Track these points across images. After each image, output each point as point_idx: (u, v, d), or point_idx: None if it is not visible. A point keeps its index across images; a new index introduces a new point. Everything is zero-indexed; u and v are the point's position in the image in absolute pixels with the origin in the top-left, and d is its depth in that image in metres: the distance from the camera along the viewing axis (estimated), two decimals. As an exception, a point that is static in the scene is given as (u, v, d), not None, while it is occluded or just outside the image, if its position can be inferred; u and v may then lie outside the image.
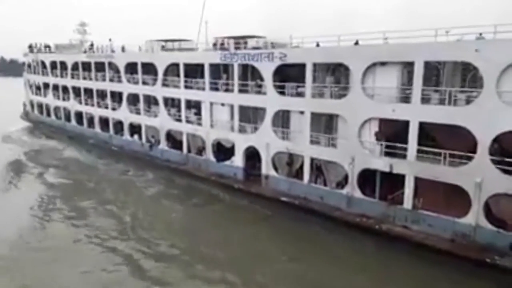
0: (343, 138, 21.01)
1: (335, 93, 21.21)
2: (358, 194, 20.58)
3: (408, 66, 18.87)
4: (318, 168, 22.60)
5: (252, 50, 25.25)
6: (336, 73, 21.87)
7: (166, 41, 35.15)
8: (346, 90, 20.87)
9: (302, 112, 22.49)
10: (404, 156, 18.84)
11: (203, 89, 28.32)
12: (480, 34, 17.46)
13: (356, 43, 21.89)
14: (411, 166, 18.63)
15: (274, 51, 23.41)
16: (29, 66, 51.26)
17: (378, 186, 20.17)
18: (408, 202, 19.01)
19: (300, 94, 22.77)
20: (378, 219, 19.69)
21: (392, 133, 19.42)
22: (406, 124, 18.53)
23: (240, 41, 27.51)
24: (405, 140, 18.79)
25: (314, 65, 21.70)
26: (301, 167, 23.14)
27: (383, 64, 19.26)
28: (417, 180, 18.67)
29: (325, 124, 22.23)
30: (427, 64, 18.14)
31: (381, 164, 19.50)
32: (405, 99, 18.75)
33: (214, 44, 30.52)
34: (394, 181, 19.59)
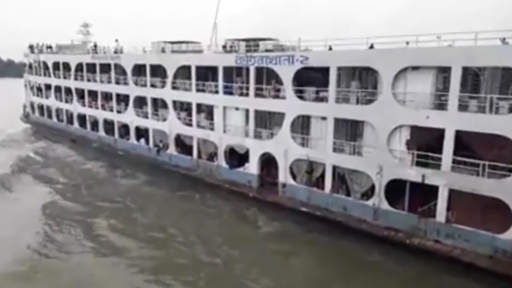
0: (370, 146, 19.88)
1: (362, 98, 20.06)
2: (385, 205, 19.42)
3: (443, 71, 17.80)
4: (340, 177, 21.42)
5: (270, 52, 24.11)
6: (362, 77, 20.74)
7: (173, 42, 34.00)
8: (373, 95, 19.77)
9: (324, 118, 21.35)
10: (438, 166, 17.71)
11: (216, 92, 27.14)
12: (504, 39, 16.55)
13: (371, 46, 20.85)
14: (445, 177, 17.49)
15: (294, 53, 22.29)
16: (30, 66, 49.94)
17: (407, 198, 19.01)
18: (441, 215, 17.86)
19: (322, 99, 21.65)
20: (408, 233, 18.54)
21: (424, 142, 18.32)
22: (440, 132, 17.43)
23: (251, 43, 26.40)
24: (438, 149, 17.69)
25: (339, 68, 20.57)
26: (322, 175, 21.98)
27: (415, 68, 18.17)
28: (451, 192, 17.56)
29: (349, 131, 21.09)
30: (465, 70, 17.04)
31: (412, 174, 18.36)
32: (440, 106, 17.65)
33: (224, 46, 29.43)
34: (424, 193, 18.47)
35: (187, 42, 33.93)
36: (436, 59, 17.51)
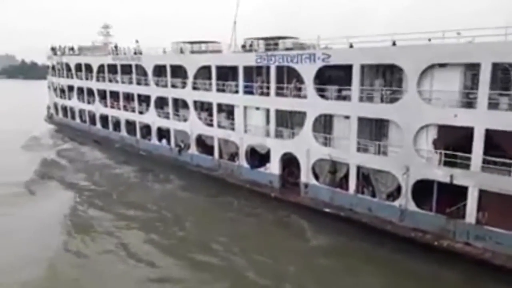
0: (396, 145, 19.42)
1: (386, 97, 19.61)
2: (412, 206, 18.96)
3: (472, 68, 17.20)
4: (365, 178, 21.04)
5: (291, 51, 23.81)
6: (386, 75, 20.26)
7: (192, 43, 34.08)
8: (398, 93, 19.28)
9: (347, 117, 20.97)
10: (467, 166, 17.16)
11: (236, 92, 27.04)
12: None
13: (394, 44, 20.30)
14: (475, 178, 16.94)
15: (316, 52, 21.96)
16: (53, 68, 50.88)
17: (435, 198, 18.50)
18: (471, 217, 17.33)
19: (345, 98, 21.27)
20: (436, 234, 18.07)
21: (452, 141, 17.78)
22: (469, 131, 16.86)
23: (270, 42, 26.17)
24: (467, 149, 17.13)
25: (362, 66, 20.14)
26: (346, 175, 21.63)
27: (442, 65, 17.61)
28: (481, 192, 16.99)
29: (374, 130, 20.66)
30: (495, 66, 16.41)
31: (440, 174, 17.85)
32: (469, 104, 17.08)
33: (243, 46, 29.30)
34: (453, 193, 17.94)
35: (206, 42, 33.92)
36: (464, 55, 16.92)
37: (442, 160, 17.83)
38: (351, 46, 21.54)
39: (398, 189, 19.57)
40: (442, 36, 17.67)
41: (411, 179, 18.78)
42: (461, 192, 17.53)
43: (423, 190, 18.93)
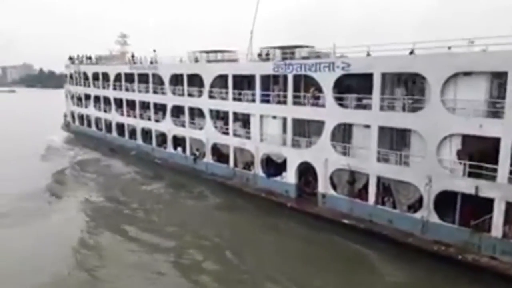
0: (418, 155, 18.94)
1: (408, 106, 19.21)
2: (434, 218, 18.40)
3: (498, 77, 16.75)
4: (385, 188, 20.56)
5: (310, 60, 23.64)
6: (407, 84, 19.89)
7: (209, 52, 34.21)
8: (420, 102, 18.88)
9: (367, 126, 20.60)
10: (492, 178, 16.60)
11: (253, 101, 26.90)
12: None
13: (411, 52, 19.97)
14: (502, 189, 16.36)
15: (335, 60, 21.71)
16: (70, 77, 51.65)
17: (458, 211, 17.92)
18: (497, 230, 16.70)
19: (365, 107, 20.93)
20: (459, 248, 17.45)
21: (477, 152, 17.26)
22: (495, 142, 16.35)
23: (287, 51, 26.06)
24: (493, 160, 16.59)
25: (383, 75, 19.82)
26: (365, 186, 21.17)
27: (467, 74, 17.20)
28: (508, 205, 16.39)
29: (395, 140, 20.21)
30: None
31: (464, 186, 17.30)
32: (495, 113, 16.60)
33: (259, 54, 29.32)
34: (477, 205, 17.35)
35: (222, 51, 34.00)
36: (490, 64, 16.49)
37: (466, 171, 17.29)
38: (368, 55, 21.38)
39: (420, 200, 19.03)
40: (466, 44, 17.30)
41: (434, 190, 18.26)
42: (486, 204, 16.94)
43: (443, 202, 18.41)
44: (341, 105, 21.99)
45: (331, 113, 22.10)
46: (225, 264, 19.32)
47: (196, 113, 32.70)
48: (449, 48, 18.66)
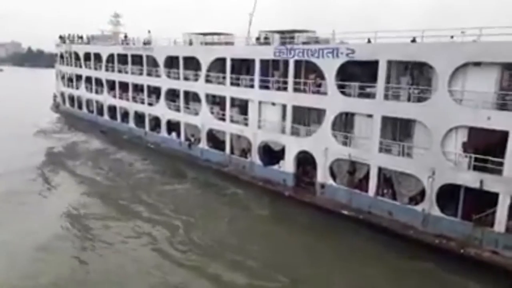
0: (422, 147, 18.50)
1: (414, 96, 18.68)
2: (436, 211, 18.07)
3: (510, 68, 16.26)
4: (386, 179, 20.15)
5: (313, 45, 22.89)
6: (413, 73, 19.32)
7: (205, 34, 33.25)
8: (427, 92, 18.34)
9: (370, 116, 20.07)
10: (498, 172, 16.25)
11: (251, 86, 26.14)
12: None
13: (413, 40, 19.45)
14: (508, 184, 16.02)
15: (339, 46, 21.03)
16: (61, 57, 50.07)
17: (461, 204, 17.59)
18: (500, 224, 16.43)
19: (368, 95, 20.36)
20: (461, 242, 17.18)
21: (483, 145, 16.86)
22: (503, 135, 15.95)
23: (286, 35, 25.25)
24: (499, 153, 16.23)
25: (389, 63, 19.20)
26: (365, 177, 20.75)
27: (476, 64, 16.67)
28: (513, 199, 16.10)
29: (398, 130, 19.74)
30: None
31: (469, 179, 16.94)
32: (504, 106, 16.15)
33: (258, 38, 28.44)
34: (480, 199, 17.04)
35: (218, 34, 33.03)
36: (502, 54, 15.94)
37: (471, 164, 16.91)
38: (369, 41, 20.77)
39: (421, 193, 18.69)
40: (478, 33, 16.70)
41: (437, 183, 17.88)
42: (489, 198, 16.64)
43: (443, 195, 18.08)
44: (343, 93, 21.38)
45: (333, 101, 21.50)
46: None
47: (192, 97, 31.85)
48: (452, 37, 18.15)
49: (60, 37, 50.34)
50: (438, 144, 17.66)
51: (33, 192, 25.89)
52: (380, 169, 19.99)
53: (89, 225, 21.48)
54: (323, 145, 22.06)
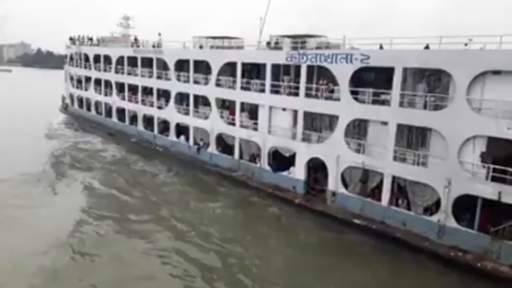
0: (437, 156, 18.06)
1: (430, 104, 18.25)
2: (452, 223, 17.59)
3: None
4: (400, 189, 19.70)
5: (326, 50, 22.57)
6: (430, 80, 18.90)
7: (214, 38, 33.08)
8: (444, 100, 17.92)
9: (385, 123, 19.67)
10: (518, 183, 15.77)
11: (262, 91, 25.84)
12: None
13: (427, 47, 19.18)
14: (528, 196, 15.54)
15: (353, 52, 20.68)
16: (71, 58, 50.17)
17: (478, 216, 17.10)
18: (520, 238, 15.93)
19: (383, 102, 19.96)
20: (477, 255, 16.68)
21: (502, 155, 16.37)
22: (524, 145, 15.49)
23: (297, 40, 24.95)
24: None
25: (405, 69, 18.82)
26: (378, 185, 20.32)
27: (496, 73, 16.24)
28: (533, 213, 15.61)
29: (412, 139, 19.27)
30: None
31: (487, 190, 16.45)
32: (525, 115, 15.69)
33: (268, 43, 28.18)
34: (498, 211, 16.55)
35: (229, 38, 32.90)
36: (523, 63, 15.53)
37: (489, 175, 16.43)
38: (381, 47, 20.49)
39: (436, 203, 18.23)
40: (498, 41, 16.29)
41: (453, 193, 17.41)
42: (509, 210, 16.15)
43: (458, 205, 17.60)
44: (355, 99, 21.01)
45: (346, 108, 21.12)
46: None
47: (201, 101, 31.62)
48: (466, 45, 17.85)
49: (71, 38, 50.49)
50: (455, 154, 17.21)
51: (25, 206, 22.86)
52: (394, 178, 19.55)
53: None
54: (335, 152, 21.67)
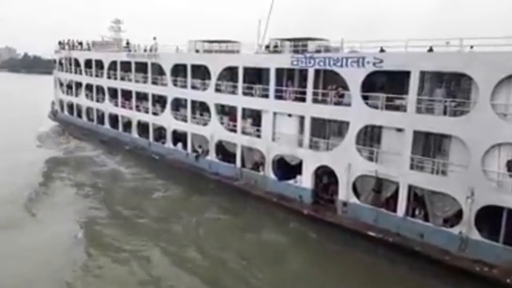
0: (458, 164, 17.07)
1: (450, 109, 17.28)
2: (475, 235, 16.59)
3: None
4: (416, 199, 18.67)
5: (336, 53, 21.55)
6: (450, 84, 17.96)
7: (211, 41, 31.89)
8: (465, 106, 16.97)
9: (400, 130, 18.65)
10: (548, 194, 14.85)
11: (266, 96, 24.70)
12: None
13: (430, 50, 18.34)
14: (559, 207, 14.61)
15: (365, 55, 19.65)
16: (60, 63, 48.45)
17: (503, 228, 16.13)
18: (549, 252, 14.98)
19: (398, 107, 18.96)
20: (504, 269, 15.69)
21: (530, 163, 15.47)
22: (554, 153, 14.58)
23: (298, 43, 23.91)
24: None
25: (422, 73, 17.85)
26: (393, 195, 19.27)
27: (524, 76, 15.35)
28: None
29: (431, 146, 18.30)
30: None
31: (514, 201, 15.51)
32: (555, 122, 14.80)
33: (267, 46, 27.15)
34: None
35: (225, 42, 31.78)
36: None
37: (516, 184, 15.51)
38: (382, 50, 19.60)
39: (457, 214, 17.23)
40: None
41: (476, 204, 16.43)
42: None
43: (486, 217, 16.62)
44: (367, 104, 19.99)
45: (357, 113, 20.07)
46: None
47: (199, 107, 30.34)
48: (471, 47, 17.04)
49: (60, 43, 48.79)
50: (478, 162, 16.25)
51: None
52: (410, 188, 18.51)
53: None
54: (346, 160, 20.58)
